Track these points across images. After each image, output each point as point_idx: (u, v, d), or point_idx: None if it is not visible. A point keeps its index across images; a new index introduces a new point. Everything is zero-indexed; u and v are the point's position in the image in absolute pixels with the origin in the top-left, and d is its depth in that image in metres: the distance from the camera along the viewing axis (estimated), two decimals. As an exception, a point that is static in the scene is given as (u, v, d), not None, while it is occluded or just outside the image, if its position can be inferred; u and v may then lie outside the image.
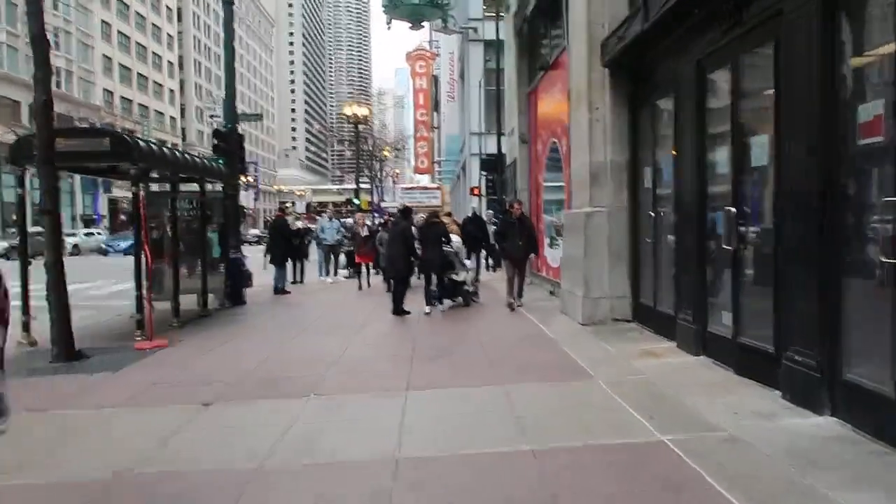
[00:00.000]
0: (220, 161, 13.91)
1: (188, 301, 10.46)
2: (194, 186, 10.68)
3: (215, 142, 14.64)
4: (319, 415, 4.77)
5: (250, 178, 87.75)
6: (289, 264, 15.67)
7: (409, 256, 9.94)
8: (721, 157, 5.60)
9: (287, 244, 14.68)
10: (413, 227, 10.37)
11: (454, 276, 10.61)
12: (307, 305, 11.50)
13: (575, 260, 8.36)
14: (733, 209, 5.14)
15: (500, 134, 21.16)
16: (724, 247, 5.26)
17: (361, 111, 38.83)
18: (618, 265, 7.91)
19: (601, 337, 7.21)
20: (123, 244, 32.99)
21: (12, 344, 7.90)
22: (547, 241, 12.52)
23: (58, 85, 50.57)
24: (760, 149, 4.94)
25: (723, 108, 5.60)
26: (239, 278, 12.10)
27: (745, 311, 5.19)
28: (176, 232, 9.54)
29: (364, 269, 13.94)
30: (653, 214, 7.06)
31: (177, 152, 9.69)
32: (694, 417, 4.25)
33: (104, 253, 33.56)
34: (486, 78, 30.44)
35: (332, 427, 4.46)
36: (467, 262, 11.36)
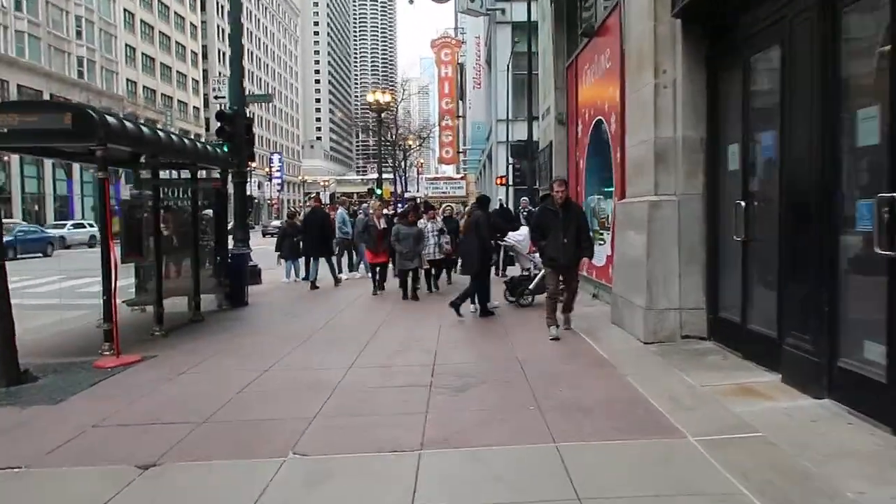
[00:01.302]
0: (225, 146, 12.62)
1: (183, 303, 9.21)
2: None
3: (219, 124, 13.36)
4: (294, 494, 3.31)
5: (275, 169, 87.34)
6: (295, 259, 14.41)
7: (483, 251, 8.67)
8: (867, 124, 3.96)
9: (323, 237, 13.26)
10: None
11: (524, 272, 9.38)
12: (315, 308, 10.07)
13: (633, 261, 6.77)
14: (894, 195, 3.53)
15: (531, 118, 19.59)
16: (878, 251, 3.64)
17: (384, 98, 37.44)
18: (690, 269, 6.30)
19: (672, 362, 5.63)
20: None
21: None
22: (589, 235, 10.90)
23: (80, 74, 50.32)
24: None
25: (868, 56, 3.98)
26: (240, 276, 10.74)
27: (913, 346, 3.58)
28: (159, 225, 8.20)
29: (379, 269, 11.75)
30: (743, 204, 5.43)
31: (160, 132, 8.29)
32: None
33: None
34: (515, 62, 28.86)
35: (306, 522, 3.01)
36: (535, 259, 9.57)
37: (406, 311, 9.39)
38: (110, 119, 6.99)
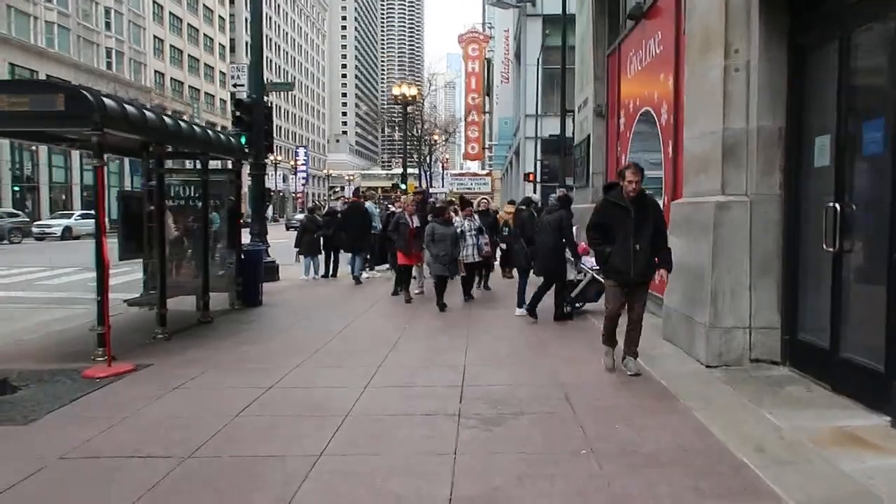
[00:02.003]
0: (242, 137, 11.98)
1: (193, 302, 8.56)
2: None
3: (237, 113, 12.75)
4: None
5: (300, 162, 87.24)
6: (315, 255, 13.75)
7: (565, 252, 8.00)
8: None
9: (362, 230, 12.79)
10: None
11: (576, 277, 8.60)
12: (332, 311, 9.31)
13: (693, 270, 5.88)
14: None
15: (563, 113, 18.67)
16: None
17: (410, 91, 36.69)
18: (763, 281, 5.40)
19: (744, 392, 4.75)
20: None
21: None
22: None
23: (108, 66, 50.49)
24: None
25: None
26: (253, 274, 10.04)
27: None
28: (163, 219, 7.54)
29: (406, 272, 10.48)
30: (837, 207, 4.52)
31: (166, 117, 7.60)
32: None
33: None
34: (545, 56, 27.91)
35: None
36: (587, 262, 8.40)
37: (432, 319, 8.58)
38: (108, 101, 6.30)
